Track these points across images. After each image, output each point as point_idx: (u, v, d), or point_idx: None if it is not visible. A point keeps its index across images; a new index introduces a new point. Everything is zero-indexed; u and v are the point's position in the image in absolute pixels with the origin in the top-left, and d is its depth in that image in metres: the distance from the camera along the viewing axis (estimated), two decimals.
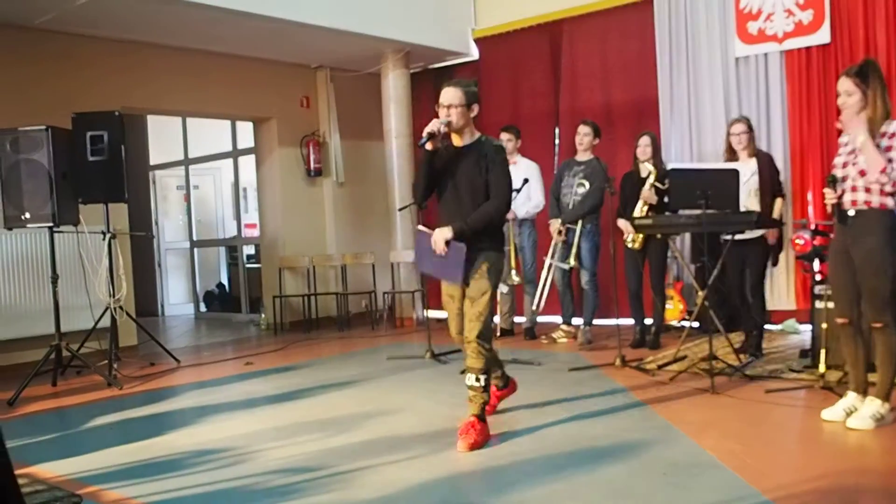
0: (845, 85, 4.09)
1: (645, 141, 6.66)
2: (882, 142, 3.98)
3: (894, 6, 6.76)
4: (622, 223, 6.66)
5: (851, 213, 4.11)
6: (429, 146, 4.18)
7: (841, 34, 7.08)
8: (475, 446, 4.05)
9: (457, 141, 4.30)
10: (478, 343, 4.15)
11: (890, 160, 3.94)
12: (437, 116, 4.22)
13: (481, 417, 4.20)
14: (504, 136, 7.68)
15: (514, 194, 6.88)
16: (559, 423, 4.48)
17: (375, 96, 9.37)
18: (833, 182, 4.14)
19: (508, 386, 4.79)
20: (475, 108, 4.26)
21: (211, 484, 3.67)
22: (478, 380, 4.18)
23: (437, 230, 4.19)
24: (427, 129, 4.16)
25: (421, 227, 4.39)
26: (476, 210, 4.16)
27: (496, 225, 4.30)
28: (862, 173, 4.04)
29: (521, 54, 9.19)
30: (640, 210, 6.54)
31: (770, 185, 5.89)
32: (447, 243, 4.14)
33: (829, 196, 4.16)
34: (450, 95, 4.21)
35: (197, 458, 4.10)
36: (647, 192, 6.52)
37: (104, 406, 5.53)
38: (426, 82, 9.86)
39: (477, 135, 4.30)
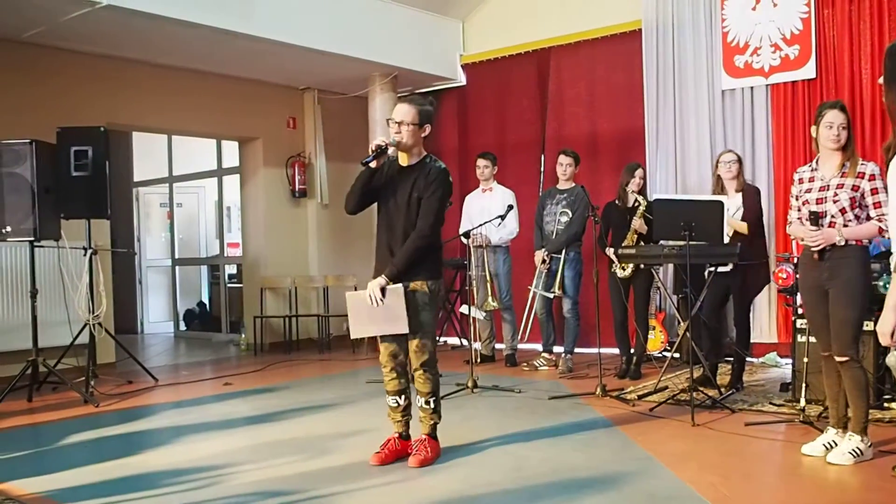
0: (840, 119, 4.15)
1: (640, 174, 6.70)
2: (863, 183, 4.07)
3: (880, 43, 6.84)
4: (610, 252, 6.65)
5: (829, 248, 4.14)
6: (373, 164, 4.09)
7: (826, 69, 7.17)
8: (425, 462, 4.17)
9: (403, 160, 4.21)
10: (424, 371, 4.25)
11: (878, 204, 4.04)
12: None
13: (433, 435, 4.32)
14: (481, 163, 7.71)
15: (497, 220, 6.97)
16: (538, 451, 4.45)
17: (362, 119, 9.37)
18: (816, 219, 4.16)
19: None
20: (427, 129, 4.16)
21: None
22: (427, 403, 4.29)
23: (369, 283, 4.11)
24: (375, 143, 4.06)
25: (349, 293, 4.28)
26: (406, 239, 4.11)
27: (431, 252, 4.21)
28: (843, 211, 4.10)
29: (508, 81, 9.23)
30: (629, 239, 6.56)
31: (752, 216, 5.89)
32: (382, 291, 4.08)
33: (811, 233, 4.16)
34: (402, 112, 4.10)
35: (171, 479, 4.05)
36: (638, 222, 6.54)
37: (79, 423, 5.46)
38: None
39: (423, 154, 4.22)
